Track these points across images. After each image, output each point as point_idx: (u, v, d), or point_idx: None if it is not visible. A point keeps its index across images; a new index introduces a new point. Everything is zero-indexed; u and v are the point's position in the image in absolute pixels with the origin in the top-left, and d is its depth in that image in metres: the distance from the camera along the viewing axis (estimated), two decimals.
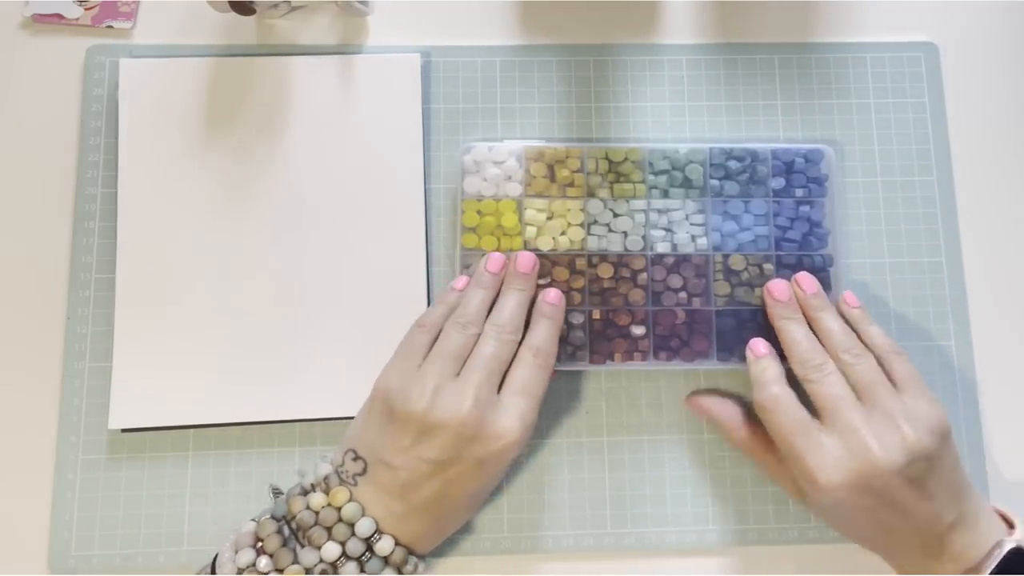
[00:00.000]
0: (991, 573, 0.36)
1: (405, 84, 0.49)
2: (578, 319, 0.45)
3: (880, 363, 0.41)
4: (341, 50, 0.50)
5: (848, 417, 0.38)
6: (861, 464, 0.37)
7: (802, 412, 0.39)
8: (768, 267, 0.45)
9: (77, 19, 0.50)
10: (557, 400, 0.47)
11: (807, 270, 0.45)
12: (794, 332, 0.42)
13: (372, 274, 0.47)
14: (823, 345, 0.42)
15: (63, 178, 0.48)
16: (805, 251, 0.46)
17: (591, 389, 0.47)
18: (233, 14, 0.46)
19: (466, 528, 0.45)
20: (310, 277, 0.46)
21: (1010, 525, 0.39)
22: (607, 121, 0.50)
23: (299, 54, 0.49)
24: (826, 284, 0.45)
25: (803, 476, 0.38)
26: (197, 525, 0.44)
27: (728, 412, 0.44)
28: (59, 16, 0.50)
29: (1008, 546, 0.37)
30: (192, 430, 0.45)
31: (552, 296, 0.43)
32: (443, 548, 0.44)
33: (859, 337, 0.42)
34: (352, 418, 0.43)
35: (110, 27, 0.50)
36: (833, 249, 0.46)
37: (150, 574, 0.44)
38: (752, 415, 0.43)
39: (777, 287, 0.44)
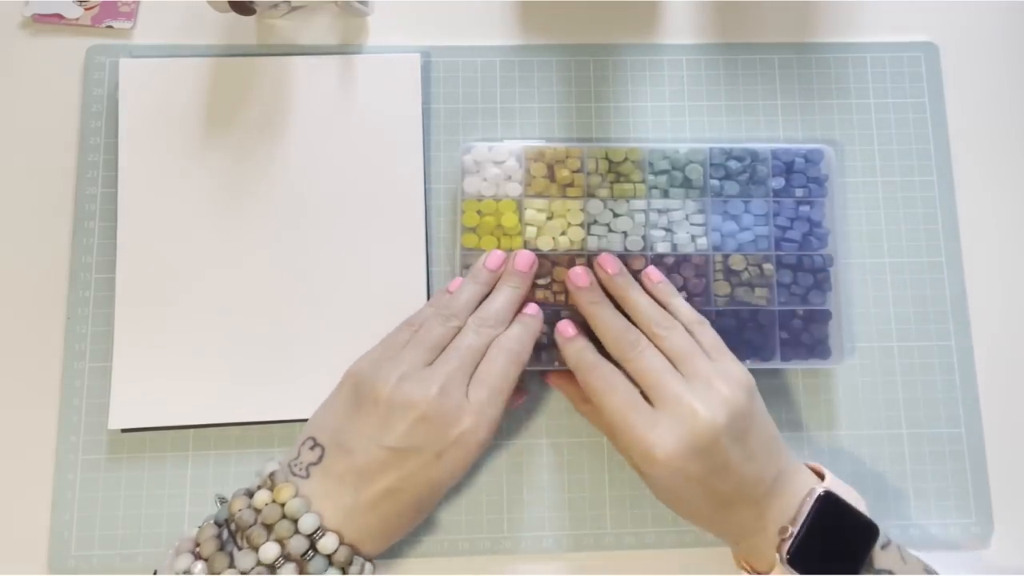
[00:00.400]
0: (809, 521, 0.38)
1: (405, 84, 0.49)
2: (579, 320, 0.45)
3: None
4: (341, 50, 0.50)
5: (670, 387, 0.39)
6: (692, 429, 0.37)
7: (632, 390, 0.40)
8: (768, 267, 0.45)
9: (77, 19, 0.50)
10: (557, 400, 0.47)
11: (807, 270, 0.45)
12: (603, 315, 0.42)
13: (372, 274, 0.47)
14: (634, 322, 0.42)
15: (63, 178, 0.48)
16: (805, 251, 0.46)
17: None
18: (233, 14, 0.46)
19: (467, 528, 0.45)
20: (310, 277, 0.46)
21: (821, 477, 0.40)
22: (607, 121, 0.50)
23: (299, 54, 0.49)
24: (826, 284, 0.45)
25: (639, 453, 0.38)
26: (197, 525, 0.44)
27: (575, 386, 0.44)
28: (59, 16, 0.50)
29: (819, 491, 0.38)
30: (192, 430, 0.45)
31: (530, 308, 0.43)
32: (443, 548, 0.44)
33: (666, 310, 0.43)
34: None
35: (110, 27, 0.50)
36: (833, 249, 0.46)
37: (150, 574, 0.44)
38: None
39: (576, 273, 0.43)
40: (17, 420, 0.45)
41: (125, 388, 0.45)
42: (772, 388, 0.47)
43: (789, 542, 0.37)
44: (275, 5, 0.48)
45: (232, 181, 0.47)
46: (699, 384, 0.39)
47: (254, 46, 0.50)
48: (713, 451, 0.37)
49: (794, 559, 0.37)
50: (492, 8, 0.51)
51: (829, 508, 0.38)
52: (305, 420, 0.45)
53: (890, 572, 0.37)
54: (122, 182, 0.47)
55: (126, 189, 0.47)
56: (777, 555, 0.38)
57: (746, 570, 0.40)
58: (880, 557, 0.38)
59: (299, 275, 0.46)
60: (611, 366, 0.41)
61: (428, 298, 0.47)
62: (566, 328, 0.43)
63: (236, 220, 0.47)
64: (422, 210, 0.47)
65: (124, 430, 0.45)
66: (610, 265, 0.43)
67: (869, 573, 0.37)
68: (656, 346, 0.41)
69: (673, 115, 0.50)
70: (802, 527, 0.37)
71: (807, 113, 0.50)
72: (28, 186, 0.48)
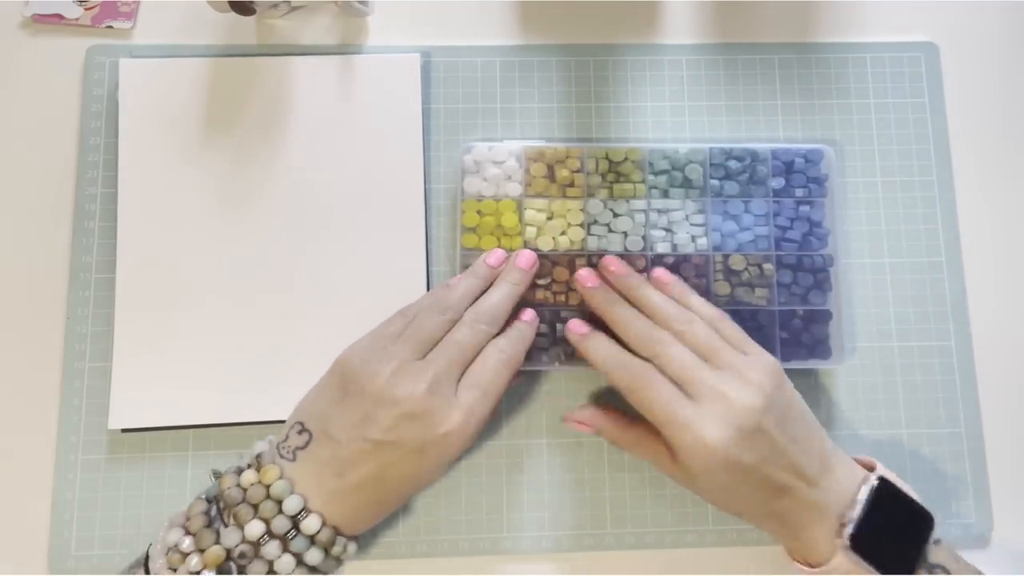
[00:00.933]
0: (868, 506, 0.38)
1: (405, 84, 0.49)
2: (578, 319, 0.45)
3: None
4: (341, 50, 0.50)
5: (705, 379, 0.39)
6: (735, 414, 0.37)
7: (670, 384, 0.39)
8: (768, 267, 0.45)
9: (77, 19, 0.50)
10: (557, 400, 0.47)
11: (807, 271, 0.45)
12: (624, 314, 0.42)
13: (372, 274, 0.47)
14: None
15: (63, 178, 0.48)
16: (805, 251, 0.46)
17: (591, 390, 0.47)
18: (233, 14, 0.46)
19: (467, 528, 0.45)
20: (310, 276, 0.46)
21: (870, 469, 0.40)
22: (607, 121, 0.50)
23: (299, 54, 0.49)
24: (826, 284, 0.45)
25: (688, 447, 0.38)
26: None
27: (610, 419, 0.43)
28: (59, 16, 0.50)
29: (875, 477, 0.38)
30: (192, 430, 0.45)
31: (526, 315, 0.43)
32: (443, 548, 0.44)
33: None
34: None
35: (110, 27, 0.50)
36: (833, 249, 0.46)
37: None
38: (629, 414, 0.42)
39: (584, 276, 0.43)
40: (17, 420, 0.45)
41: (125, 388, 0.45)
42: None
43: (849, 526, 0.37)
44: (275, 5, 0.48)
45: (232, 181, 0.47)
46: (730, 374, 0.39)
47: (254, 46, 0.50)
48: (759, 434, 0.37)
49: (855, 544, 0.37)
50: (492, 8, 0.51)
51: (886, 494, 0.38)
52: None
53: (944, 569, 0.37)
54: (122, 182, 0.47)
55: (126, 189, 0.47)
56: (838, 540, 0.37)
57: (802, 565, 0.40)
58: (934, 552, 0.38)
59: (299, 274, 0.46)
60: (643, 361, 0.40)
61: None
62: (578, 325, 0.43)
63: (236, 220, 0.47)
64: (422, 210, 0.47)
65: (124, 430, 0.45)
66: (616, 265, 0.43)
67: (922, 568, 0.37)
68: (680, 341, 0.40)
69: (673, 115, 0.50)
70: (862, 511, 0.37)
71: (807, 113, 0.50)
72: (28, 186, 0.48)
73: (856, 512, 0.37)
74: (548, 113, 0.50)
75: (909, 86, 0.51)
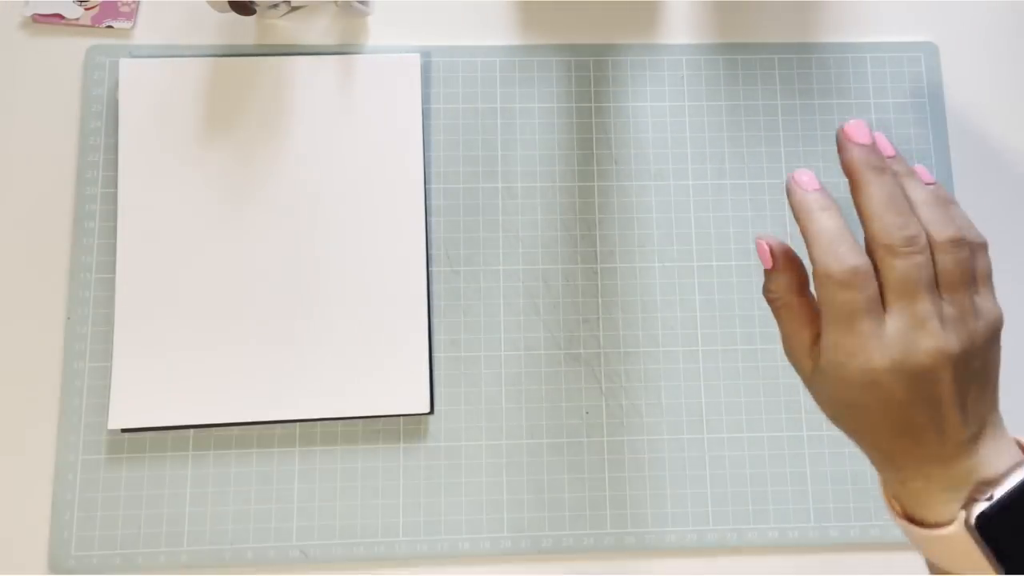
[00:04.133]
0: (1015, 492, 0.32)
1: (405, 84, 0.49)
2: None
3: None
4: (341, 50, 0.50)
5: (923, 307, 0.32)
6: (918, 352, 0.32)
7: (875, 291, 0.32)
8: None
9: (77, 19, 0.50)
10: (557, 400, 0.47)
11: None
12: (884, 187, 0.33)
13: (372, 274, 0.47)
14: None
15: (63, 178, 0.48)
16: None
17: (591, 389, 0.47)
18: (233, 14, 0.46)
19: (467, 528, 0.45)
20: (310, 277, 0.46)
21: None
22: (607, 121, 0.50)
23: (299, 54, 0.49)
24: None
25: (848, 352, 0.32)
26: (197, 525, 0.44)
27: (792, 270, 0.36)
28: (59, 16, 0.50)
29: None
30: (192, 430, 0.45)
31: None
32: (443, 548, 0.44)
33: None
34: (352, 418, 0.43)
35: (110, 27, 0.50)
36: None
37: (150, 574, 0.44)
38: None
39: (856, 126, 0.36)
40: (17, 420, 0.45)
41: (125, 388, 0.45)
42: (770, 384, 0.47)
43: (983, 504, 0.31)
44: (275, 5, 0.48)
45: (232, 181, 0.47)
46: (952, 312, 0.32)
47: (254, 46, 0.50)
48: (929, 382, 0.32)
49: (980, 524, 0.31)
50: (492, 8, 0.51)
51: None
52: (304, 420, 0.45)
53: None
54: (122, 182, 0.47)
55: (126, 189, 0.47)
56: (963, 512, 0.32)
57: (897, 511, 0.34)
58: None
59: (298, 275, 0.46)
60: (869, 262, 0.33)
61: (428, 297, 0.47)
62: (812, 179, 0.35)
63: (235, 220, 0.47)
64: (422, 210, 0.47)
65: (124, 430, 0.45)
66: (885, 144, 0.36)
67: None
68: (932, 255, 0.33)
69: (673, 115, 0.50)
70: (1007, 495, 0.31)
71: (807, 113, 0.50)
72: (28, 186, 0.48)
73: (1000, 492, 0.32)
74: (548, 113, 0.50)
75: (909, 86, 0.51)
